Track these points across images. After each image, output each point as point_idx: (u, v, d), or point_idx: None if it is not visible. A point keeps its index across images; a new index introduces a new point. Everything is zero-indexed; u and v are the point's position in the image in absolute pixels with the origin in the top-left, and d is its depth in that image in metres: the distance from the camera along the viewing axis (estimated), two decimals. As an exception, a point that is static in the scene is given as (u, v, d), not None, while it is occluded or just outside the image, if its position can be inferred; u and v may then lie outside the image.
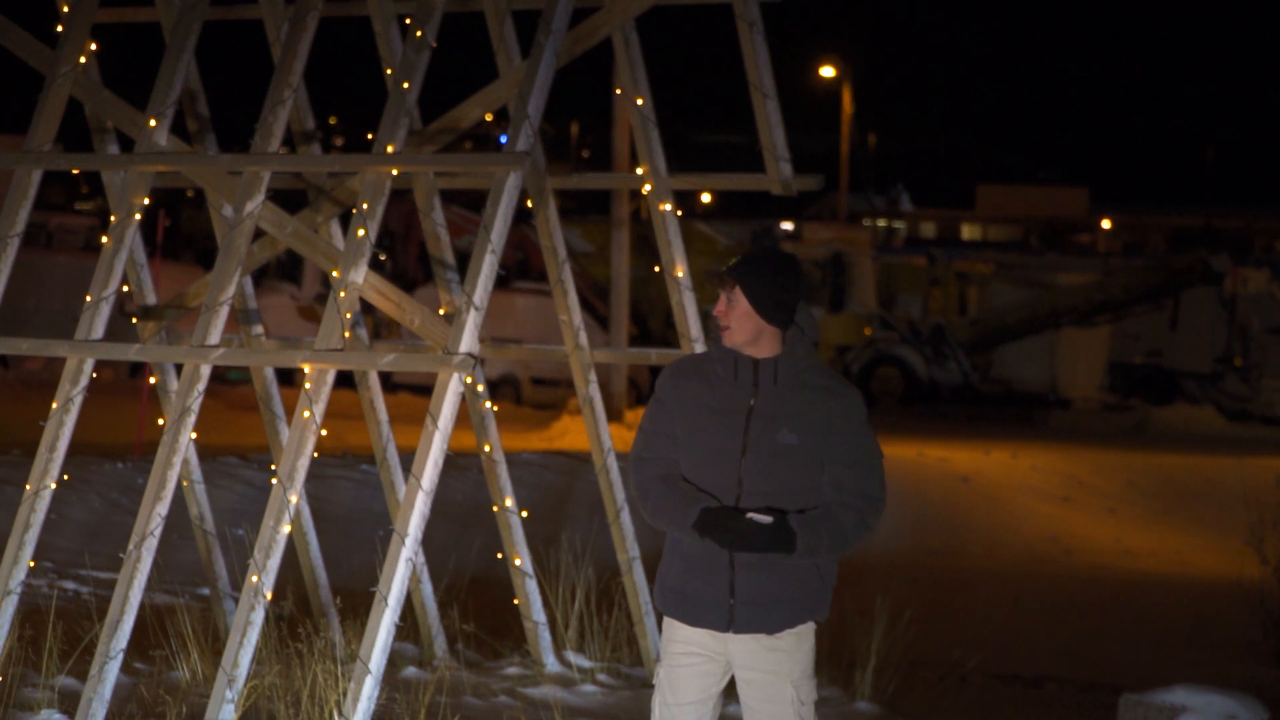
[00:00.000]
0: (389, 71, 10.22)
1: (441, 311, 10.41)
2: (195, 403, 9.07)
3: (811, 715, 6.20)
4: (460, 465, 16.74)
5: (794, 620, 6.12)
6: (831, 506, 6.08)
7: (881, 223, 73.89)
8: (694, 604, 6.17)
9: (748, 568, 6.09)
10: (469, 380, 9.40)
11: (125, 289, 9.95)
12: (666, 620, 6.28)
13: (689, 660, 6.20)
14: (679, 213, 10.56)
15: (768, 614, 6.10)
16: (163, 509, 8.91)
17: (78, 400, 9.26)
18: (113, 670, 8.65)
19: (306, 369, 9.16)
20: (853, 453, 6.10)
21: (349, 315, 9.13)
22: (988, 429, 32.55)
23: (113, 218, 9.67)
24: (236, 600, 10.22)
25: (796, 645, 6.16)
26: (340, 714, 8.61)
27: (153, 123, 9.62)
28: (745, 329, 6.15)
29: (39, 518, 9.12)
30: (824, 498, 6.09)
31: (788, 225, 50.64)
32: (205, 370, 9.10)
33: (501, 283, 30.84)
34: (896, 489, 22.12)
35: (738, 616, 6.12)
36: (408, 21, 9.80)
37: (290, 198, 11.48)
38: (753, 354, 6.16)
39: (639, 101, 10.43)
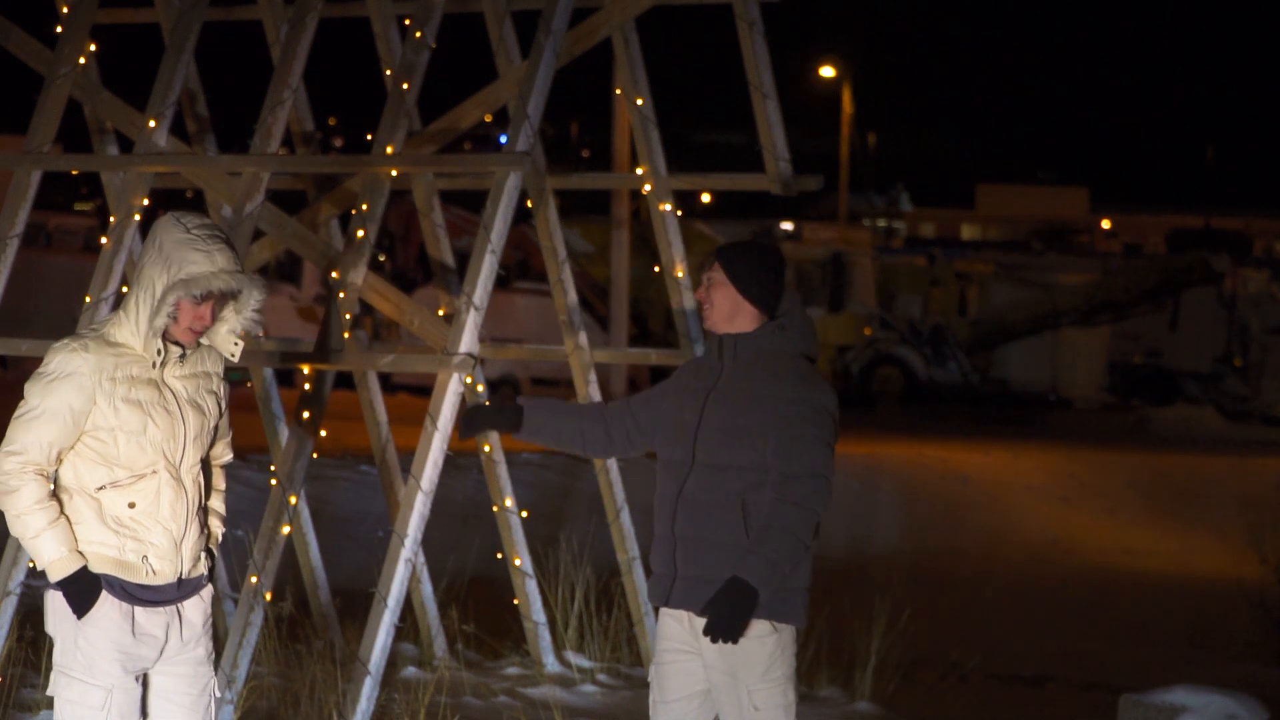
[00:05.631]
0: (389, 72, 10.22)
1: (441, 312, 10.41)
2: (195, 403, 9.06)
3: None
4: (460, 465, 16.73)
5: None
6: (766, 518, 6.03)
7: (881, 223, 73.88)
8: (655, 579, 6.27)
9: (687, 541, 6.12)
10: (469, 380, 9.40)
11: (124, 289, 9.95)
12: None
13: (671, 657, 6.24)
14: (679, 213, 10.56)
15: (700, 593, 6.07)
16: (162, 509, 8.90)
17: (77, 401, 9.25)
18: (112, 671, 8.64)
19: (306, 370, 9.16)
20: (782, 429, 6.02)
21: (348, 316, 9.13)
22: (988, 429, 32.53)
23: (112, 218, 9.68)
24: (236, 601, 10.21)
25: (752, 649, 6.07)
26: (340, 714, 8.61)
27: (152, 123, 9.62)
28: (722, 305, 6.18)
29: (38, 518, 9.10)
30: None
31: (788, 225, 50.64)
32: (205, 371, 9.09)
33: (501, 283, 30.83)
34: (897, 489, 22.15)
35: (675, 590, 6.15)
36: (407, 22, 9.80)
37: (290, 198, 11.48)
38: (726, 331, 6.20)
39: (639, 101, 10.42)
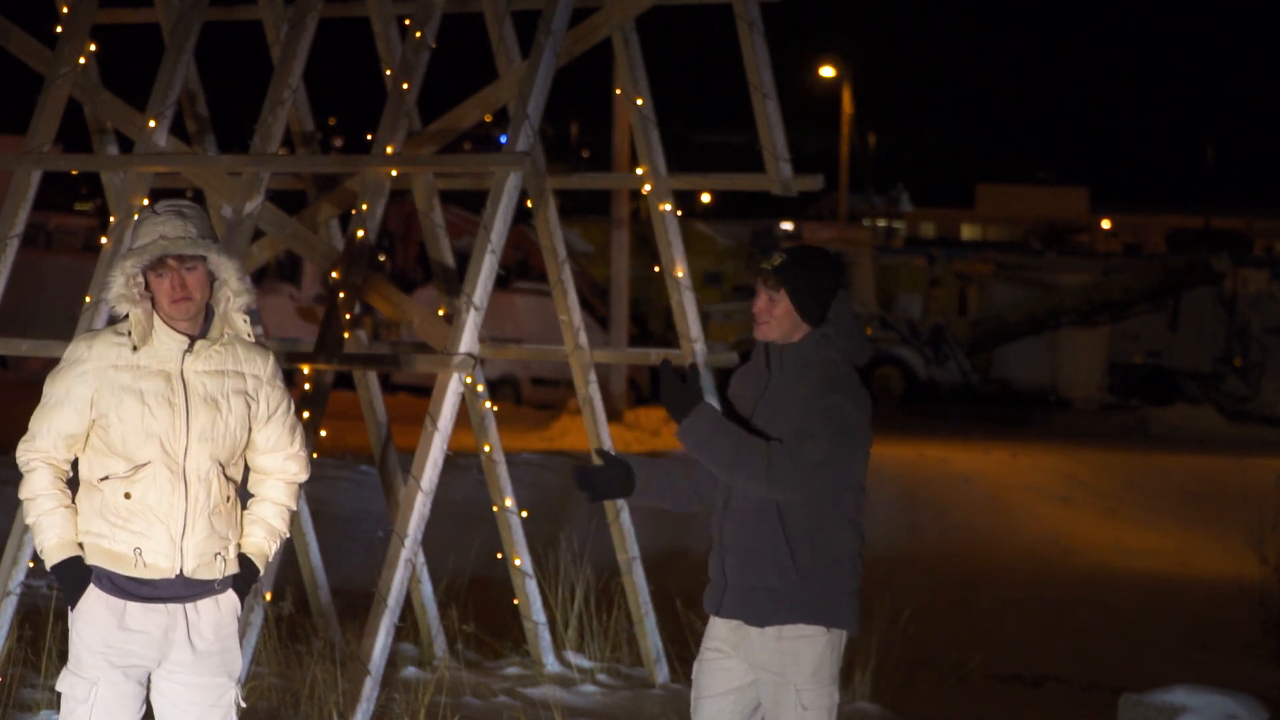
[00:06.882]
0: (389, 72, 10.22)
1: (441, 312, 10.41)
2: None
3: None
4: (460, 465, 16.74)
5: (779, 617, 6.12)
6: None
7: (881, 223, 73.87)
8: (709, 588, 6.31)
9: (732, 551, 6.17)
10: (469, 380, 9.41)
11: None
12: None
13: (711, 655, 6.30)
14: (679, 213, 10.56)
15: (749, 602, 6.13)
16: (162, 509, 8.89)
17: (77, 401, 9.25)
18: (112, 671, 8.63)
19: (306, 370, 9.16)
20: (797, 425, 6.04)
21: (348, 316, 9.13)
22: (988, 429, 32.53)
23: (112, 218, 9.68)
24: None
25: (802, 649, 6.14)
26: (340, 714, 8.62)
27: (152, 123, 9.62)
28: (784, 323, 6.20)
29: (39, 518, 9.10)
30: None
31: (788, 225, 50.66)
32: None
33: (501, 283, 30.84)
34: (897, 489, 22.14)
35: (725, 601, 6.20)
36: (407, 22, 9.80)
37: (290, 198, 11.48)
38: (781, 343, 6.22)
39: (639, 101, 10.43)
